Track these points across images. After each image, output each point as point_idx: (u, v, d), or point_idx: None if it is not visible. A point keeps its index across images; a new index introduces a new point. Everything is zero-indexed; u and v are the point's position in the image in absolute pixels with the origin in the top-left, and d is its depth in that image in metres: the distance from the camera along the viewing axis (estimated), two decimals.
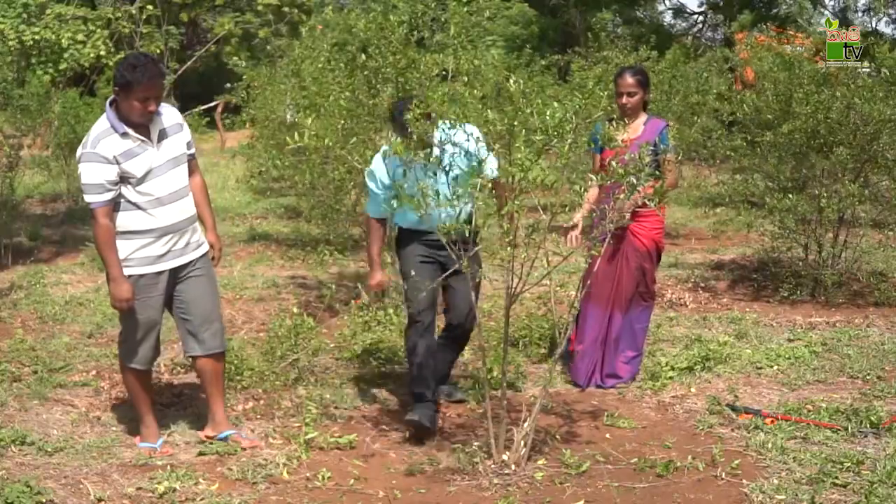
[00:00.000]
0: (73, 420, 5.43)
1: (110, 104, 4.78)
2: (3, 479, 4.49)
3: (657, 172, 5.47)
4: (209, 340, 5.07)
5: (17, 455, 4.87)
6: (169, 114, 4.93)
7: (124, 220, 4.77)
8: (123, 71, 4.66)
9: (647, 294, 6.22)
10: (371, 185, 5.46)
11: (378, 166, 5.38)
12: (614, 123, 5.58)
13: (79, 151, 4.76)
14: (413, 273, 5.34)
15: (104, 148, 4.67)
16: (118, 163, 4.68)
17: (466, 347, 6.74)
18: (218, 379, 5.16)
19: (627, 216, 5.25)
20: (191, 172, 5.04)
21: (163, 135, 4.85)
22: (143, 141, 4.76)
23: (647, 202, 5.14)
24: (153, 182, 4.78)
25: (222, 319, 5.33)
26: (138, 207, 4.77)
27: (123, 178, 4.71)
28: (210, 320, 5.08)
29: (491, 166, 5.02)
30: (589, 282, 5.67)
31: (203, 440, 5.11)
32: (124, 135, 4.71)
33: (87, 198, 4.71)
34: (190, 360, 5.32)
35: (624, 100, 5.98)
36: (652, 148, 5.57)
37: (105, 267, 4.80)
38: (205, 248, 5.11)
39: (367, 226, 5.79)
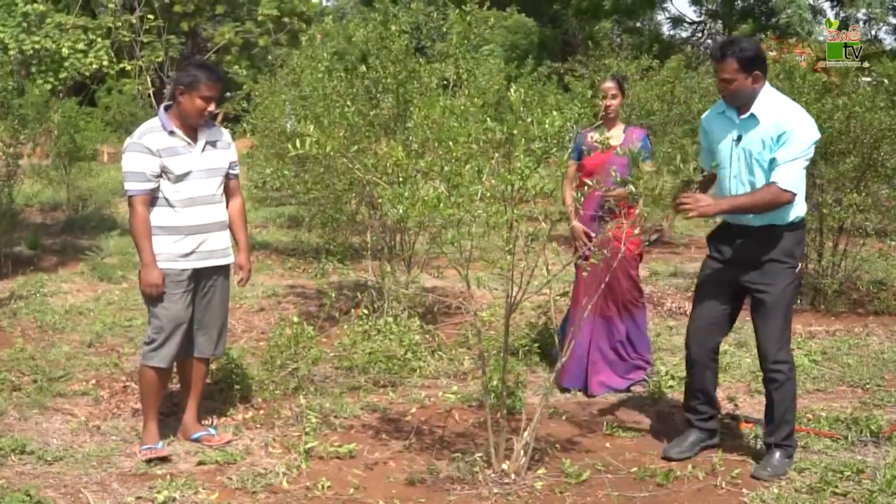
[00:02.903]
0: (72, 429, 5.42)
1: (165, 109, 5.10)
2: (2, 489, 4.49)
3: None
4: (202, 345, 5.28)
5: (17, 464, 4.87)
6: (222, 132, 5.28)
7: (156, 215, 5.01)
8: (191, 70, 5.05)
9: (638, 298, 6.34)
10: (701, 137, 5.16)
11: (706, 118, 5.09)
12: (596, 132, 5.64)
13: (125, 143, 5.06)
14: (700, 294, 5.06)
15: (149, 140, 4.96)
16: (160, 156, 4.94)
17: (466, 357, 6.75)
18: (197, 383, 5.35)
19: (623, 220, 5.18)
20: (232, 194, 5.33)
21: (210, 145, 5.14)
22: (188, 143, 5.04)
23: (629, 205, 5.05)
24: (189, 183, 5.03)
25: (225, 330, 5.42)
26: (170, 205, 5.01)
27: (163, 173, 4.97)
28: (210, 328, 5.26)
29: (782, 173, 4.62)
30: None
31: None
32: (171, 133, 5.02)
33: (127, 185, 4.97)
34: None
35: (608, 101, 5.98)
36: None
37: (138, 253, 5.02)
38: (230, 259, 5.30)
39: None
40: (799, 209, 4.77)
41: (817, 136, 4.74)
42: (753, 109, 4.74)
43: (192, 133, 5.06)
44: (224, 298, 5.33)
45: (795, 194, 4.66)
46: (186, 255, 5.04)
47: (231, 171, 5.27)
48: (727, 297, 4.96)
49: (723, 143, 4.85)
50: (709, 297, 5.00)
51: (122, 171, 5.00)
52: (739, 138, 4.78)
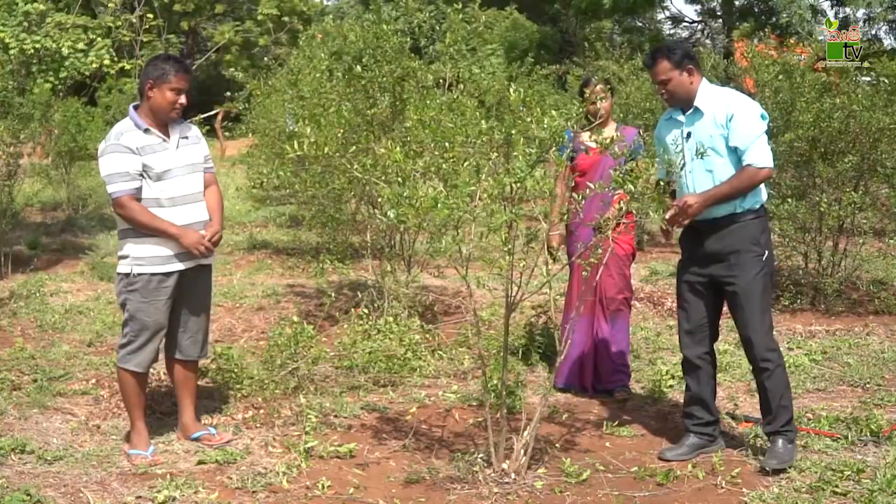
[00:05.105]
0: (72, 429, 5.43)
1: (134, 108, 5.04)
2: (2, 488, 4.49)
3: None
4: (187, 347, 5.26)
5: (17, 463, 4.87)
6: (191, 127, 5.25)
7: None
8: (159, 63, 4.99)
9: (630, 298, 6.33)
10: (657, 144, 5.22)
11: (657, 128, 5.27)
12: (587, 132, 5.62)
13: (100, 147, 5.00)
14: (682, 297, 5.12)
15: (127, 140, 4.91)
16: (140, 155, 4.90)
17: (466, 357, 6.75)
18: (188, 384, 5.34)
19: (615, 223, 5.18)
20: (208, 184, 5.25)
21: (182, 142, 5.10)
22: (163, 140, 5.01)
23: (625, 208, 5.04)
24: (170, 181, 4.98)
25: (208, 331, 5.41)
26: (159, 205, 4.96)
27: (143, 173, 4.92)
28: (195, 330, 5.26)
29: (752, 153, 4.73)
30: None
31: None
32: (146, 131, 4.97)
33: (112, 188, 4.88)
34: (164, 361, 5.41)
35: (599, 104, 5.97)
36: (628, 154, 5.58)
37: (163, 234, 4.93)
38: (212, 259, 5.26)
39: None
40: (757, 195, 4.87)
41: (762, 110, 4.90)
42: (696, 103, 4.93)
43: (164, 129, 5.03)
44: (207, 300, 5.32)
45: (772, 168, 4.81)
46: (171, 257, 4.99)
47: (206, 166, 5.22)
48: (706, 296, 5.02)
49: (673, 143, 4.95)
50: (689, 300, 5.07)
51: (103, 176, 4.91)
52: (689, 135, 4.92)
